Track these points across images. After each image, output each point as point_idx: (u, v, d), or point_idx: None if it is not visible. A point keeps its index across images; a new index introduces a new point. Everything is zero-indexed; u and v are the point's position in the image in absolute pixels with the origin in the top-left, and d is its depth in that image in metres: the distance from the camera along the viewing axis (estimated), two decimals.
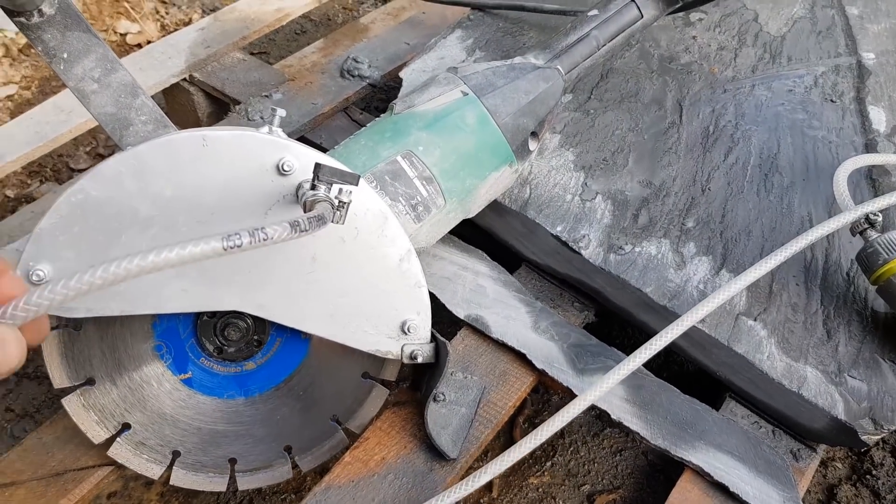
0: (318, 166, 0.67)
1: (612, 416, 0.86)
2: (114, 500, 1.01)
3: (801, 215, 0.99)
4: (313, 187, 0.68)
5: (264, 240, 0.54)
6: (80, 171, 1.47)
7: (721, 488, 0.82)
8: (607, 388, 0.79)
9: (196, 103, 1.36)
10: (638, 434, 0.85)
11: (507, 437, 1.12)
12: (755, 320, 0.88)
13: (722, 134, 1.09)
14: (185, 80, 1.33)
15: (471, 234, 1.01)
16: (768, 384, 0.84)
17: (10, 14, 0.73)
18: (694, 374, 1.09)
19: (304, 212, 0.66)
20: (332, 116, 1.26)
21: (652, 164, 1.04)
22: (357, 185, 0.67)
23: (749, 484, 0.81)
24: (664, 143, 1.07)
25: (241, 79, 1.32)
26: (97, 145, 1.53)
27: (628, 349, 1.12)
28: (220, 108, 1.36)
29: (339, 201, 0.64)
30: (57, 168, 1.49)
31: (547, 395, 1.17)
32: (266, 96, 1.26)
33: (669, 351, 1.04)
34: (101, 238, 0.71)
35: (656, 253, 0.93)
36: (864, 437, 0.81)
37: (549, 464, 1.09)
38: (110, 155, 1.49)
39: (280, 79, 1.31)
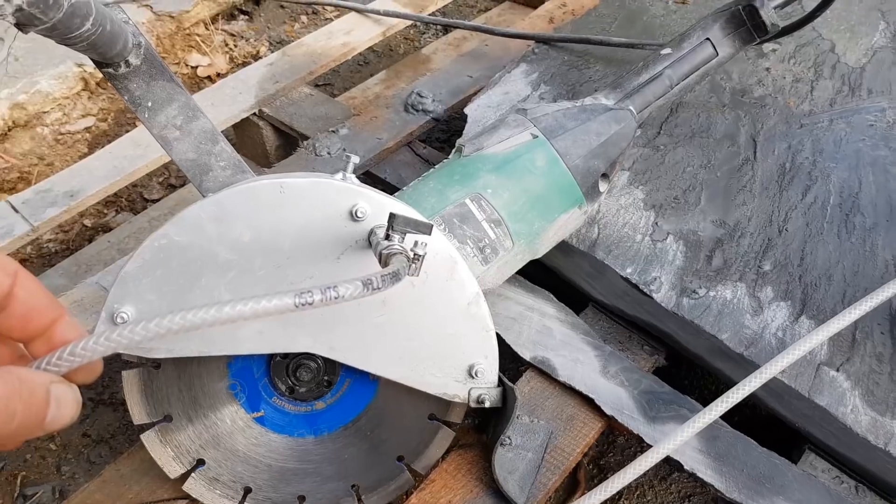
0: (392, 217, 0.68)
1: (686, 467, 0.83)
2: None
3: (885, 259, 0.95)
4: (387, 237, 0.69)
5: (335, 298, 0.55)
6: (154, 201, 1.52)
7: None
8: (683, 440, 0.77)
9: (265, 137, 1.39)
10: (713, 486, 0.83)
11: (570, 477, 1.10)
12: (838, 371, 0.84)
13: (799, 171, 1.05)
14: (254, 114, 1.37)
15: (535, 271, 1.00)
16: (852, 438, 0.81)
17: (99, 66, 0.77)
18: (768, 418, 1.06)
19: (380, 262, 0.67)
20: (396, 151, 1.28)
21: (725, 203, 1.01)
22: (430, 234, 0.68)
23: None
24: (738, 181, 1.04)
25: (308, 113, 1.35)
26: (169, 176, 1.59)
27: (700, 394, 1.09)
28: (288, 141, 1.39)
29: (415, 254, 0.64)
30: (132, 198, 1.55)
31: (612, 435, 1.15)
32: (333, 131, 1.28)
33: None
34: (182, 281, 0.74)
35: (732, 297, 0.91)
36: None
37: None
38: (182, 186, 1.54)
39: (346, 113, 1.33)
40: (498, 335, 0.92)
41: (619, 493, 1.08)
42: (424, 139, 1.35)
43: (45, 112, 1.61)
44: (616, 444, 1.14)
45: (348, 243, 0.75)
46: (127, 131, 1.43)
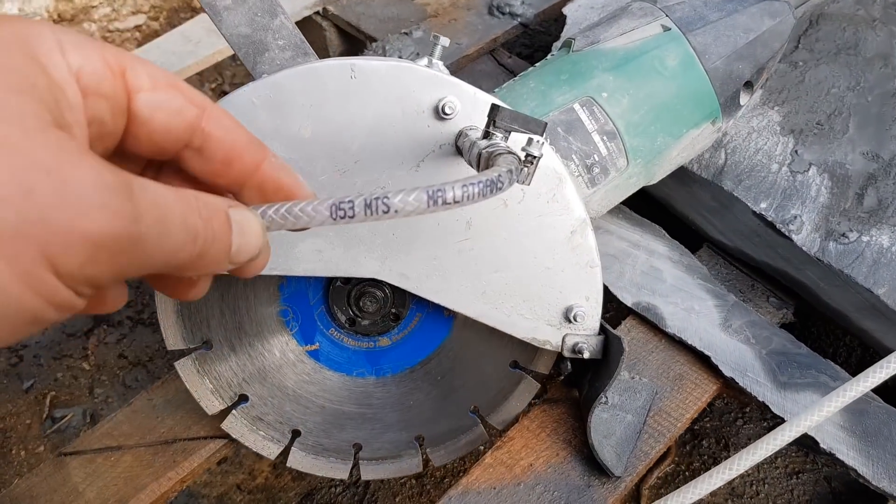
0: (494, 108, 0.53)
1: (823, 446, 0.68)
2: (224, 466, 0.94)
3: None
4: (487, 135, 0.54)
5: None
6: None
7: None
8: (827, 413, 0.62)
9: (328, 40, 1.24)
10: (855, 470, 0.68)
11: None
12: None
13: None
14: (317, 13, 1.22)
15: (640, 204, 0.84)
16: None
17: None
18: None
19: (476, 167, 0.52)
20: (476, 59, 1.11)
21: (879, 133, 0.83)
22: (543, 134, 0.52)
23: None
24: (893, 109, 0.85)
25: (378, 14, 1.19)
26: (223, 82, 1.45)
27: (838, 360, 0.93)
28: (354, 46, 1.24)
29: (528, 154, 0.49)
30: None
31: None
32: (405, 34, 1.12)
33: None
34: None
35: (890, 244, 0.74)
36: None
37: None
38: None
39: (421, 14, 1.17)
40: None
41: (715, 461, 0.94)
42: (510, 47, 1.18)
43: (92, 6, 1.49)
44: (714, 407, 0.99)
45: (431, 147, 0.61)
46: None
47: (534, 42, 1.33)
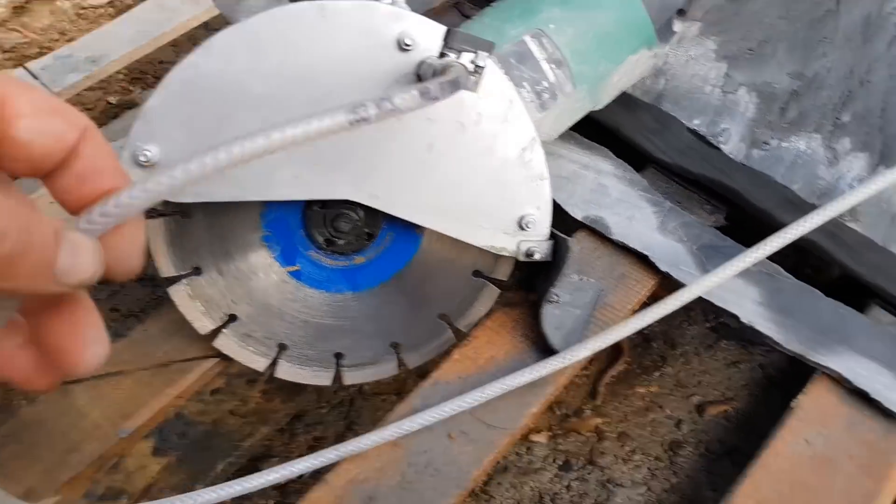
0: (448, 33, 0.60)
1: (742, 319, 0.79)
2: (217, 396, 1.01)
3: None
4: (442, 55, 0.61)
5: (391, 110, 0.48)
6: None
7: (860, 395, 0.76)
8: (732, 272, 0.73)
9: None
10: (771, 339, 0.79)
11: (614, 346, 1.07)
12: None
13: (886, 22, 0.95)
14: None
15: (591, 133, 0.92)
16: None
17: None
18: (832, 283, 1.00)
19: None
20: (442, 12, 1.16)
21: (805, 55, 0.92)
22: (491, 52, 0.60)
23: (893, 391, 0.74)
24: (818, 32, 0.94)
25: None
26: None
27: None
28: None
29: (475, 66, 0.57)
30: (158, 75, 1.44)
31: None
32: None
33: (806, 253, 0.96)
34: (212, 118, 0.66)
35: (806, 148, 0.83)
36: None
37: (657, 374, 1.04)
38: None
39: None
40: None
41: (663, 360, 1.05)
42: (474, 1, 1.23)
43: None
44: None
45: (394, 76, 0.67)
46: None
47: None
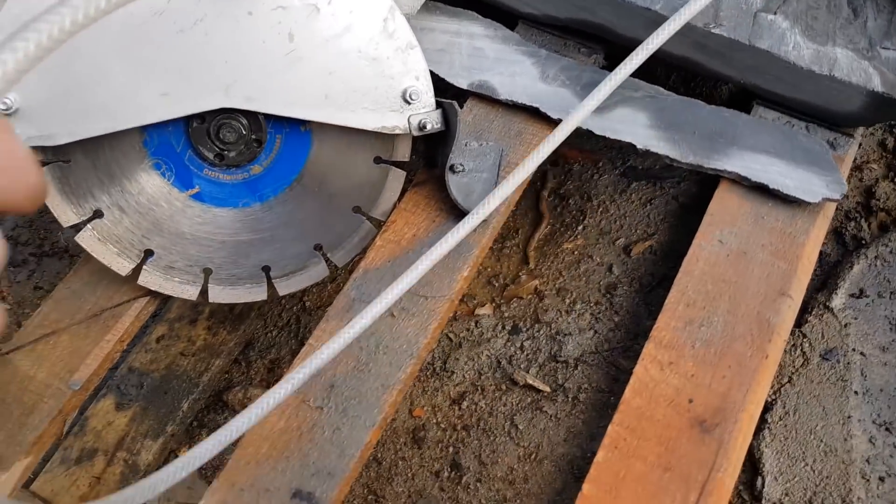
0: None
1: (638, 146, 0.82)
2: (163, 342, 1.02)
3: None
4: None
5: None
6: None
7: (760, 189, 0.80)
8: (605, 93, 0.76)
9: None
10: (667, 157, 0.82)
11: (534, 212, 1.10)
12: (775, 14, 0.81)
13: None
14: None
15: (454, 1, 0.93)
16: (797, 75, 0.79)
17: None
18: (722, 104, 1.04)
19: None
20: None
21: None
22: None
23: (788, 177, 0.78)
24: None
25: None
26: None
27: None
28: None
29: None
30: None
31: (568, 165, 1.14)
32: None
33: (690, 73, 0.99)
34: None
35: None
36: None
37: (580, 228, 1.08)
38: None
39: None
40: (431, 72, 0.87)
41: (583, 214, 1.08)
42: None
43: None
44: (572, 172, 1.13)
45: None
46: None
47: None
